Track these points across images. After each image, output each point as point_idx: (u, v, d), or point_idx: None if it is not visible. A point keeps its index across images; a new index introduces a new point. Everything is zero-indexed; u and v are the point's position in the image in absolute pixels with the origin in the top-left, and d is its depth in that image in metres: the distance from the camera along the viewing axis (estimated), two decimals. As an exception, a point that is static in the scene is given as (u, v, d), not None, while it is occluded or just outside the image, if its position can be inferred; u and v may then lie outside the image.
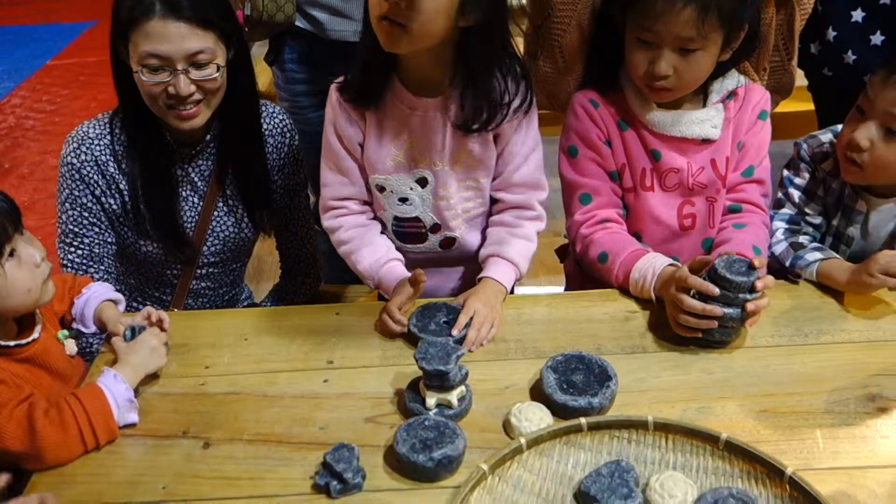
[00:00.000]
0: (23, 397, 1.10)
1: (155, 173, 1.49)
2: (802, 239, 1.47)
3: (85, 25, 5.38)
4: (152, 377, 1.24)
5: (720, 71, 1.42)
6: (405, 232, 1.50)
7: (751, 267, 1.22)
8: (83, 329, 1.33)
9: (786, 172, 1.54)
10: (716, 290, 1.21)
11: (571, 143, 1.51)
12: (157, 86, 1.36)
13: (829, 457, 1.05)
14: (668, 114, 1.43)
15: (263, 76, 2.96)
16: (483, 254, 1.46)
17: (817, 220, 1.51)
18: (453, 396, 1.13)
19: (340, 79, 1.42)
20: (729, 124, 1.45)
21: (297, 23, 1.88)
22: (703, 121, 1.43)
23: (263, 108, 1.57)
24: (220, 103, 1.44)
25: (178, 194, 1.53)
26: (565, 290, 1.46)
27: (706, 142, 1.45)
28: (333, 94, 1.42)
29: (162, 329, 1.29)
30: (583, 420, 1.06)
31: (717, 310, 1.21)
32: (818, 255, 1.41)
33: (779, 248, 1.47)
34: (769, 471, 0.99)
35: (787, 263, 1.44)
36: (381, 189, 1.45)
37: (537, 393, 1.17)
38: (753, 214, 1.49)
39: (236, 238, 1.60)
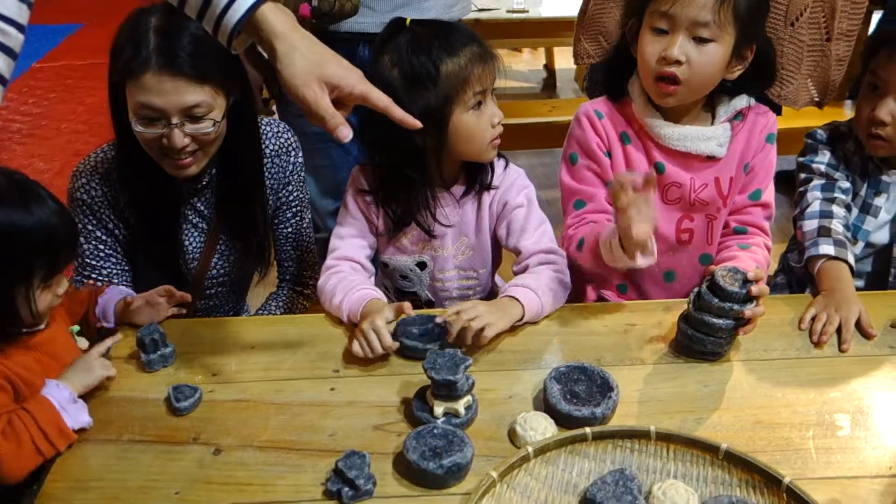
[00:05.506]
0: (3, 411, 1.11)
1: (158, 209, 1.50)
2: (835, 222, 1.48)
3: (71, 28, 5.36)
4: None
5: (729, 91, 1.46)
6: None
7: (747, 280, 1.23)
8: (106, 325, 1.38)
9: (802, 158, 1.60)
10: None
11: (572, 151, 1.55)
12: (151, 137, 1.36)
13: (822, 467, 1.09)
14: (675, 128, 1.47)
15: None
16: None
17: (846, 185, 1.56)
18: (461, 405, 1.16)
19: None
20: (735, 144, 1.49)
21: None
22: (710, 138, 1.47)
23: (267, 127, 1.59)
24: (222, 145, 1.45)
25: (181, 228, 1.55)
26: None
27: (711, 159, 1.49)
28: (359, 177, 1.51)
29: (174, 301, 1.39)
30: (588, 430, 1.10)
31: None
32: (829, 249, 1.43)
33: (809, 226, 1.50)
34: (767, 480, 1.03)
35: (806, 244, 1.48)
36: (385, 266, 1.55)
37: (541, 403, 1.21)
38: (757, 237, 1.53)
39: (240, 264, 1.63)
